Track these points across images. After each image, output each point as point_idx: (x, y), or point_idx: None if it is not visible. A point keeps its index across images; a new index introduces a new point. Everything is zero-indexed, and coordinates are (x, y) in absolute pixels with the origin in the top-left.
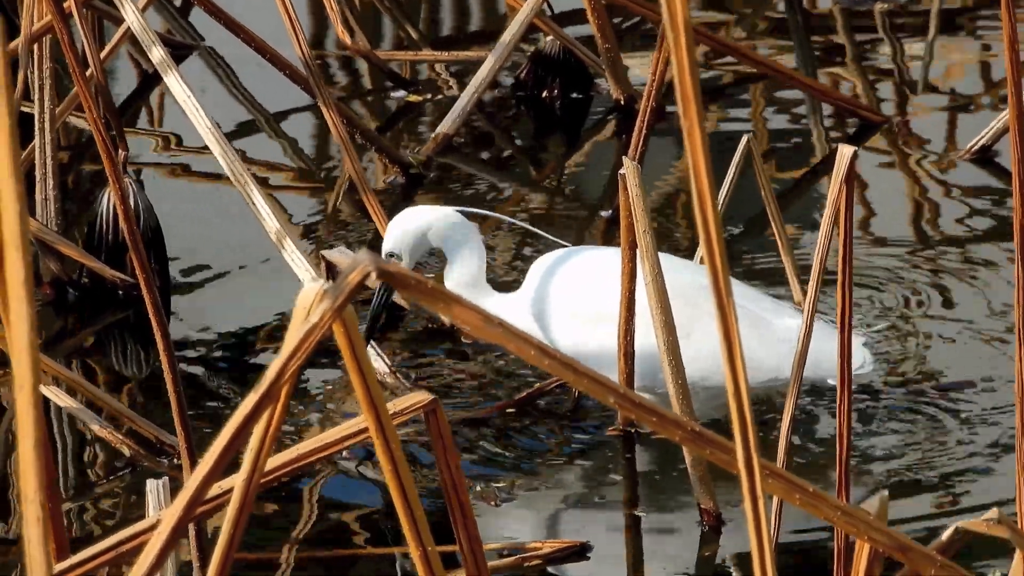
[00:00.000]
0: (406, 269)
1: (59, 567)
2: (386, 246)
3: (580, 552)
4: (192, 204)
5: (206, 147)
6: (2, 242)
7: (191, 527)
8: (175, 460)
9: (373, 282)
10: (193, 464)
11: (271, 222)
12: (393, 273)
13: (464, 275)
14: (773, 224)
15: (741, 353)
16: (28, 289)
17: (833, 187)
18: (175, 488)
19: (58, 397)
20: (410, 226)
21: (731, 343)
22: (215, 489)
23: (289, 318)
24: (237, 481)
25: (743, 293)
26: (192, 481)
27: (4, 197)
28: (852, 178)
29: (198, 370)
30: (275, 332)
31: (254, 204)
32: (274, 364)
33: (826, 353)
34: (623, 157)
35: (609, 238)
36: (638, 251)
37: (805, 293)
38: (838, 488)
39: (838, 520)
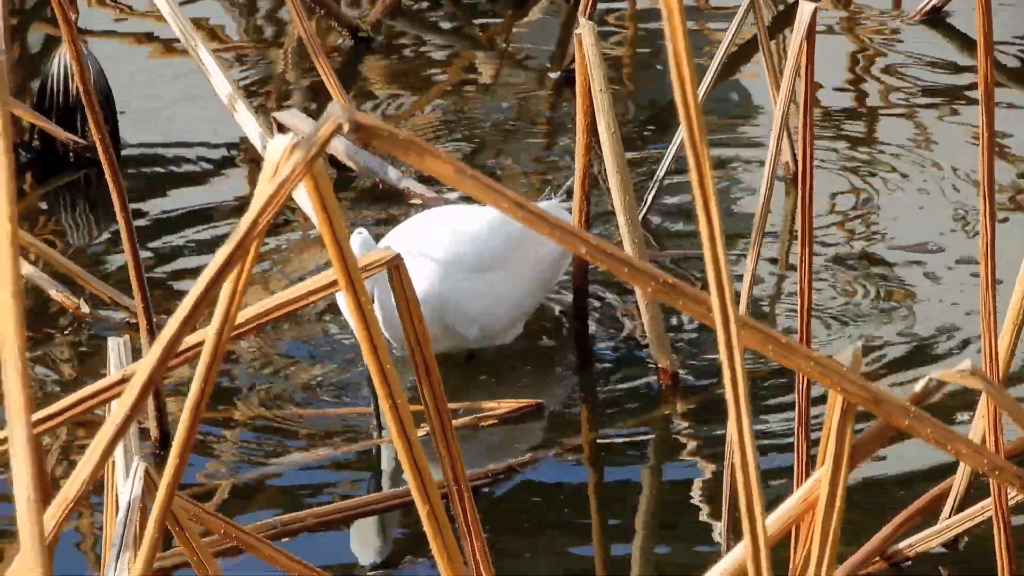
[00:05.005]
0: (378, 121)
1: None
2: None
3: (536, 412)
4: (140, 70)
5: (157, 13)
6: None
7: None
8: (131, 321)
9: (345, 133)
10: (150, 325)
11: (222, 85)
12: (365, 124)
13: None
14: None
15: (719, 211)
16: (6, 143)
17: (794, 44)
18: (135, 348)
19: None
20: None
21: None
22: (184, 344)
23: (244, 181)
24: (209, 333)
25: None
26: (167, 331)
27: None
28: (813, 34)
29: (151, 235)
30: (228, 201)
31: (204, 67)
32: (245, 217)
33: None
34: (578, 16)
35: (558, 99)
36: (595, 110)
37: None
38: (800, 339)
39: (811, 371)
